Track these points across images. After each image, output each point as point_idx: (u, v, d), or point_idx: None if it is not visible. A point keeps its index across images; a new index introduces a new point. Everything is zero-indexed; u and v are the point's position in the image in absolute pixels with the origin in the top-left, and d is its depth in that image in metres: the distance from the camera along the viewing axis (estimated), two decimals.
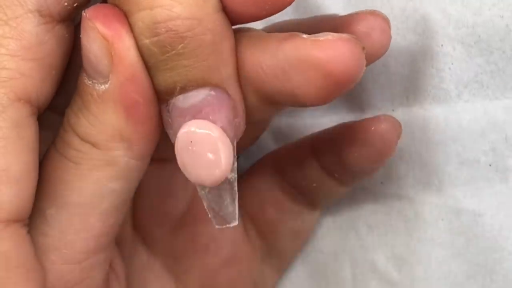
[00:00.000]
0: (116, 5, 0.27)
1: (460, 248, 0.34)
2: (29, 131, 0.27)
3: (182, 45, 0.26)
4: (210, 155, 0.27)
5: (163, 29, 0.26)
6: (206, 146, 0.27)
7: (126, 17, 0.27)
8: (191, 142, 0.27)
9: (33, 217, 0.28)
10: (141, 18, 0.26)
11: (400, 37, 0.34)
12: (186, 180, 0.28)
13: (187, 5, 0.26)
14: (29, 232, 0.28)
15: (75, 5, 0.28)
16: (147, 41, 0.26)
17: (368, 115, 0.36)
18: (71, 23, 0.29)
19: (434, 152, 0.34)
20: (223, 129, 0.28)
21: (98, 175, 0.28)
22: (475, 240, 0.34)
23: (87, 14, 0.27)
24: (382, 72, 0.35)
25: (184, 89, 0.27)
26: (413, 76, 0.34)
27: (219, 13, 0.27)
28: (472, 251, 0.34)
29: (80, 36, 0.27)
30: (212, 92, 0.27)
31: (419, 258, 0.36)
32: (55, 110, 0.30)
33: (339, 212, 0.39)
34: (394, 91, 0.35)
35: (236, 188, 0.29)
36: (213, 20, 0.27)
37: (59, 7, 0.28)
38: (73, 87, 0.29)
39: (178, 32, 0.26)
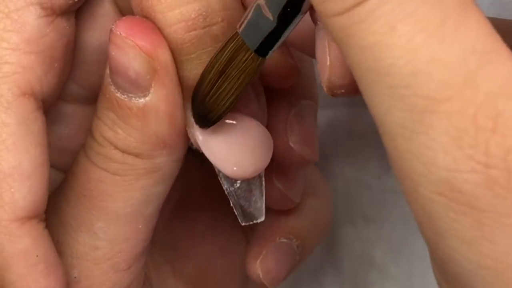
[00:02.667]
0: (146, 6, 0.27)
1: None
2: (37, 125, 0.27)
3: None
4: (249, 147, 0.28)
5: (219, 18, 0.26)
6: (247, 139, 0.28)
7: (156, 24, 0.27)
8: (229, 135, 0.28)
9: (79, 233, 0.28)
10: (196, 8, 0.26)
11: None
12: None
13: None
14: (70, 243, 0.28)
15: None
16: (201, 31, 0.26)
17: (364, 108, 0.36)
18: (72, 15, 0.29)
19: None
20: (256, 119, 0.28)
21: (144, 183, 0.28)
22: None
23: (122, 31, 0.26)
24: None
25: None
26: None
27: None
28: None
29: (112, 53, 0.27)
30: None
31: (416, 252, 0.36)
32: (68, 99, 0.30)
33: (335, 205, 0.39)
34: None
35: (264, 183, 0.29)
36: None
37: (60, 0, 0.27)
38: (86, 76, 0.29)
39: (231, 20, 0.26)
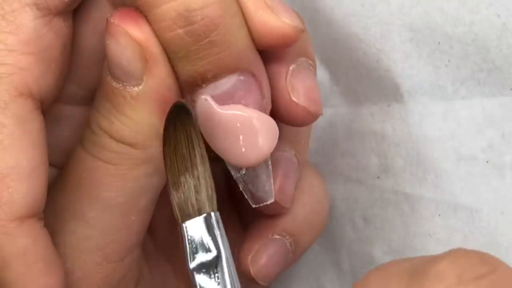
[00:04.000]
0: (133, 2, 0.27)
1: (456, 244, 0.35)
2: (35, 126, 0.27)
3: (215, 31, 0.27)
4: (253, 136, 0.28)
5: (198, 17, 0.26)
6: (248, 129, 0.28)
7: (145, 15, 0.27)
8: (233, 125, 0.28)
9: (72, 222, 0.29)
10: (173, 8, 0.26)
11: (396, 34, 0.34)
12: None
13: None
14: (62, 233, 0.28)
15: None
16: (180, 30, 0.27)
17: (364, 108, 0.36)
18: (69, 16, 0.29)
19: (431, 148, 0.34)
20: (259, 107, 0.28)
21: (138, 173, 0.29)
22: (471, 236, 0.34)
23: (115, 20, 0.27)
24: (375, 67, 0.35)
25: (215, 77, 0.27)
26: (407, 73, 0.34)
27: None
28: (468, 247, 0.34)
29: (106, 41, 0.27)
30: (241, 77, 0.28)
31: (416, 252, 0.36)
32: (67, 101, 0.30)
33: (335, 205, 0.39)
34: (387, 86, 0.35)
35: (270, 167, 0.29)
36: (237, 4, 0.27)
37: (56, 0, 0.28)
38: (84, 78, 0.29)
39: (213, 18, 0.26)
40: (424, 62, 0.34)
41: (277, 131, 0.29)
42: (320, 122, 0.38)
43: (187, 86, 0.28)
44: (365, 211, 0.38)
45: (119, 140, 0.28)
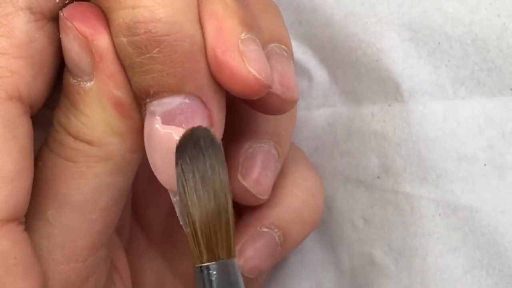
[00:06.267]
0: (97, 3, 0.27)
1: (456, 243, 0.35)
2: (22, 130, 0.27)
3: (158, 49, 0.26)
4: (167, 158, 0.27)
5: (142, 30, 0.26)
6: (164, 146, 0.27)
7: (105, 15, 0.27)
8: (170, 146, 0.27)
9: (34, 220, 0.28)
10: (122, 16, 0.26)
11: (395, 33, 0.34)
12: None
13: (170, 9, 0.26)
14: (26, 230, 0.28)
15: (66, 2, 0.28)
16: (124, 39, 0.26)
17: (364, 108, 0.36)
18: None
19: (432, 148, 0.34)
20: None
21: (96, 171, 0.28)
22: (471, 236, 0.34)
23: (65, 13, 0.27)
24: (375, 67, 0.35)
25: (157, 94, 0.27)
26: (407, 72, 0.34)
27: (199, 23, 0.27)
28: (468, 247, 0.34)
29: (60, 36, 0.27)
30: (187, 100, 0.27)
31: (416, 252, 0.36)
32: (52, 107, 0.30)
33: (335, 205, 0.39)
34: (387, 86, 0.35)
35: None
36: (194, 29, 0.26)
37: (50, 4, 0.27)
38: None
39: (156, 35, 0.26)
40: (424, 62, 0.34)
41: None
42: (319, 122, 0.38)
43: (136, 97, 0.28)
44: (365, 211, 0.38)
45: (76, 137, 0.28)
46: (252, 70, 0.27)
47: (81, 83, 0.27)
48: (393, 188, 0.36)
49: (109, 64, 0.27)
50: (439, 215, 0.35)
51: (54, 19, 0.28)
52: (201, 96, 0.27)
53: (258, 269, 0.33)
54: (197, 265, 0.27)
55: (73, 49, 0.27)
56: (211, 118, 0.27)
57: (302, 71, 0.38)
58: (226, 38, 0.27)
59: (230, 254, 0.27)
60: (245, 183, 0.32)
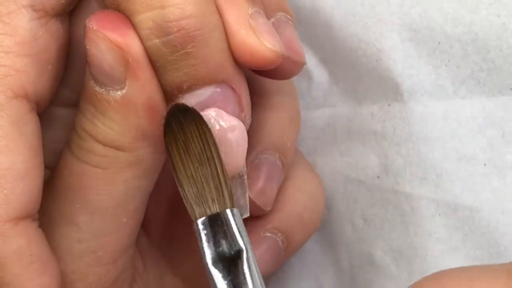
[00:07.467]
0: (116, 8, 0.27)
1: (456, 243, 0.35)
2: (30, 127, 0.27)
3: (192, 44, 0.27)
4: (227, 148, 0.28)
5: (175, 28, 0.26)
6: (223, 139, 0.28)
7: (129, 19, 0.27)
8: None
9: (62, 227, 0.29)
10: (151, 18, 0.26)
11: (396, 33, 0.34)
12: None
13: (197, 3, 0.27)
14: (53, 236, 0.28)
15: None
16: (157, 41, 0.27)
17: (364, 108, 0.36)
18: (65, 18, 0.29)
19: (432, 147, 0.34)
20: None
21: (126, 176, 0.28)
22: (471, 236, 0.34)
23: (93, 25, 0.27)
24: (375, 67, 0.35)
25: (190, 88, 0.27)
26: (407, 72, 0.34)
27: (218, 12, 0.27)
28: (468, 246, 0.34)
29: (87, 47, 0.27)
30: (218, 89, 0.28)
31: (416, 252, 0.36)
32: (60, 103, 0.30)
33: (335, 205, 0.39)
34: (387, 86, 0.35)
35: (246, 182, 0.29)
36: (218, 18, 0.27)
37: (52, 2, 0.28)
38: (77, 80, 0.29)
39: (190, 31, 0.26)
40: (424, 62, 0.34)
41: (246, 144, 0.29)
42: (319, 122, 0.38)
43: (167, 95, 0.28)
44: (365, 211, 0.38)
45: (105, 144, 0.28)
46: (268, 44, 0.28)
47: (111, 91, 0.27)
48: (393, 188, 0.36)
49: (146, 69, 0.27)
50: (439, 215, 0.35)
51: (57, 16, 0.28)
52: (231, 83, 0.28)
53: (263, 274, 0.33)
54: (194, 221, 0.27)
55: (105, 60, 0.27)
56: (241, 103, 0.28)
57: (302, 71, 0.38)
58: (238, 17, 0.28)
59: (223, 206, 0.27)
60: (250, 194, 0.32)
